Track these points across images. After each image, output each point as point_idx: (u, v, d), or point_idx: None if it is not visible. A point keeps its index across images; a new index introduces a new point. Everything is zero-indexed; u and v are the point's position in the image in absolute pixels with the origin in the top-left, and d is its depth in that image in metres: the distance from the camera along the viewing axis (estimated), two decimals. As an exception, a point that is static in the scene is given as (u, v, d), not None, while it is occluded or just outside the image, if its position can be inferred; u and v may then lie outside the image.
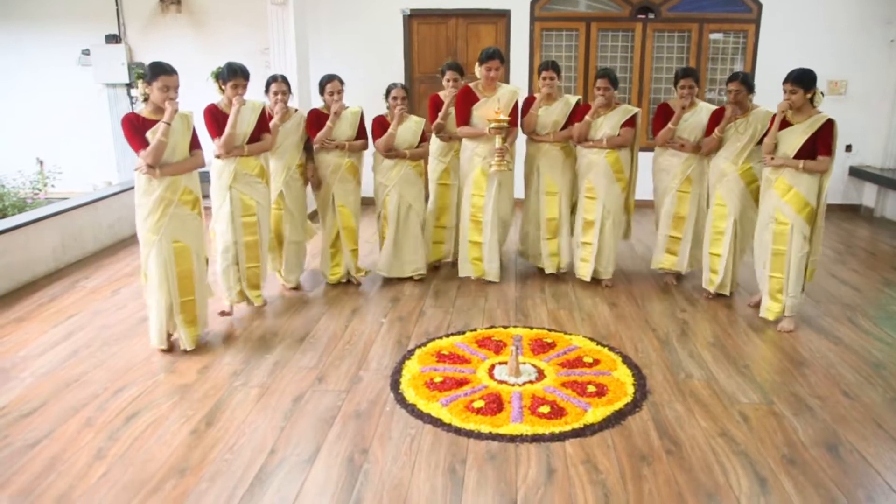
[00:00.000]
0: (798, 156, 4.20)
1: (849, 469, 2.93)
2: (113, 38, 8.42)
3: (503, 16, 8.07)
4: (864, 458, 3.01)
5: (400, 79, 8.12)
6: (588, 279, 5.24)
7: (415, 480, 2.83)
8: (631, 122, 5.04)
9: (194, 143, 4.01)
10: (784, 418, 3.34)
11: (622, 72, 8.08)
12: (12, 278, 5.24)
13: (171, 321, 4.02)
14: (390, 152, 5.12)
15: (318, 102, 5.23)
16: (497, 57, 5.03)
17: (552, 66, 5.14)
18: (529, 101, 5.29)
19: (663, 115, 5.08)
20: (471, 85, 5.18)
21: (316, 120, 5.01)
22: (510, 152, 5.17)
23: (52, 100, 8.70)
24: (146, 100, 3.82)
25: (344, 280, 5.33)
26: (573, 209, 5.40)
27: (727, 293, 4.98)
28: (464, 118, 5.16)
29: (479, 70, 5.08)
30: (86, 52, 8.49)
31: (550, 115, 5.18)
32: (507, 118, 4.89)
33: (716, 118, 4.82)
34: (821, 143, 4.16)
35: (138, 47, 8.52)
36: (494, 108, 4.96)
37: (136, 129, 3.76)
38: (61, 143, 8.79)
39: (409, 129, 5.17)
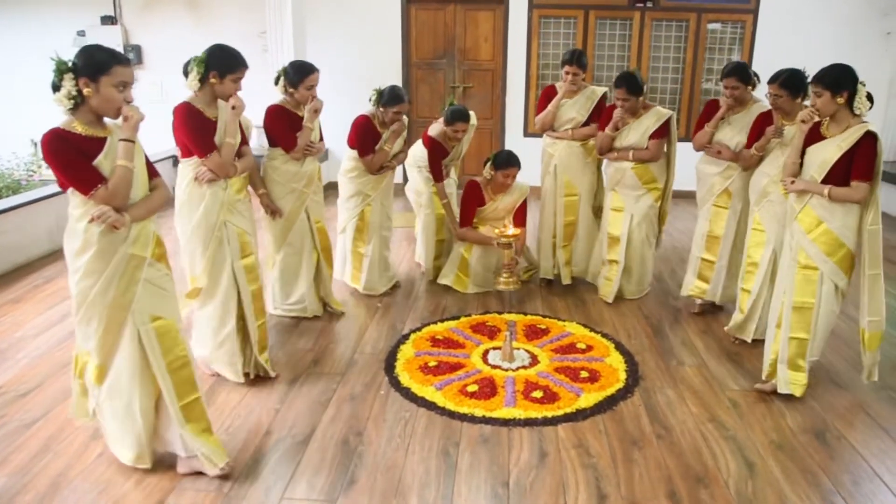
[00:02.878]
0: (829, 179, 3.18)
1: (836, 455, 2.98)
2: (108, 20, 8.36)
3: (501, 2, 8.04)
4: (851, 445, 3.06)
5: (397, 64, 8.09)
6: (610, 300, 4.67)
7: (408, 463, 2.87)
8: (662, 132, 4.41)
9: (151, 169, 2.69)
10: (773, 405, 3.38)
11: (620, 61, 8.09)
12: (7, 260, 5.24)
13: (157, 437, 2.76)
14: (381, 170, 4.54)
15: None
16: (516, 164, 4.57)
17: (577, 61, 4.52)
18: (547, 93, 4.79)
19: (707, 113, 4.29)
20: (479, 182, 4.68)
21: (281, 119, 3.96)
22: (522, 254, 4.74)
23: (46, 81, 8.57)
24: (76, 106, 2.45)
25: (319, 314, 4.40)
26: (598, 212, 4.92)
27: (748, 339, 4.02)
28: (467, 220, 4.69)
29: (489, 170, 4.62)
30: (81, 34, 8.43)
31: (570, 110, 4.68)
32: (515, 232, 4.36)
33: (759, 125, 3.93)
34: (857, 164, 3.12)
35: (134, 29, 8.47)
36: (500, 214, 4.62)
37: (76, 153, 2.42)
38: (55, 125, 8.74)
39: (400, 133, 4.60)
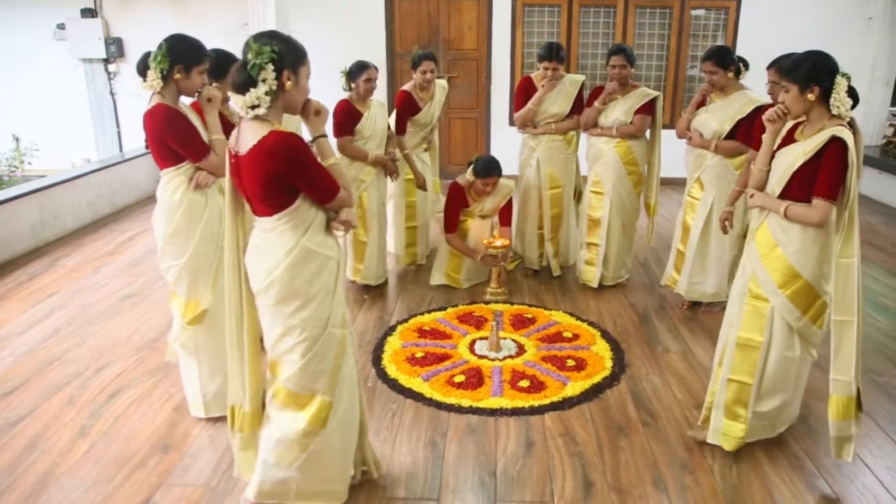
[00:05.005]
0: (791, 192, 2.62)
1: (818, 439, 3.01)
2: (89, 13, 8.26)
3: (485, -9, 8.01)
4: (834, 428, 3.09)
5: (381, 55, 8.05)
6: (595, 285, 4.67)
7: (396, 454, 2.88)
8: (647, 108, 4.38)
9: None
10: (757, 390, 3.41)
11: (604, 49, 8.07)
12: (-10, 257, 5.20)
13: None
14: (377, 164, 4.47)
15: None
16: (496, 173, 4.48)
17: (555, 56, 4.44)
18: (524, 85, 4.70)
19: (698, 101, 4.21)
20: (462, 185, 4.59)
21: None
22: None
23: (27, 75, 8.55)
24: (279, 93, 2.11)
25: None
26: (577, 197, 4.96)
27: None
28: (452, 226, 4.62)
29: (470, 173, 4.53)
30: (61, 27, 8.33)
31: (552, 105, 4.62)
32: (504, 243, 4.46)
33: (751, 125, 3.68)
34: (819, 176, 2.52)
35: (115, 22, 8.37)
36: (485, 213, 4.61)
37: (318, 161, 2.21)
38: (37, 119, 8.66)
39: (379, 115, 4.50)
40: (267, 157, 2.06)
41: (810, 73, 2.51)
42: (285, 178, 2.09)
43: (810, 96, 2.52)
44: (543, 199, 4.80)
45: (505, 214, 4.71)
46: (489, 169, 4.48)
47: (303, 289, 2.19)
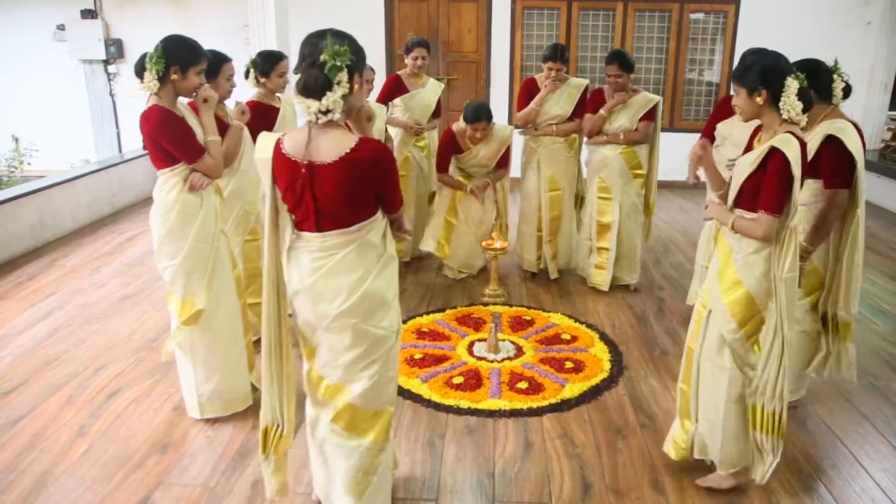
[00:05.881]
0: (741, 203, 2.48)
1: (816, 441, 3.02)
2: (88, 14, 8.27)
3: (485, -6, 8.03)
4: (831, 430, 3.10)
5: (381, 57, 8.06)
6: (606, 288, 4.69)
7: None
8: (650, 115, 4.46)
9: None
10: (755, 393, 3.42)
11: (603, 52, 8.09)
12: (-11, 257, 5.20)
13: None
14: None
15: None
16: (484, 118, 4.49)
17: (560, 57, 4.50)
18: (527, 86, 4.76)
19: (720, 111, 3.93)
20: (456, 132, 4.67)
21: (254, 115, 3.52)
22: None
23: (27, 76, 8.56)
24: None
25: None
26: (579, 202, 4.95)
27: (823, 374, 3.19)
28: (443, 166, 4.76)
29: (461, 122, 4.60)
30: (60, 28, 8.35)
31: (554, 106, 4.66)
32: (504, 244, 4.56)
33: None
34: (763, 189, 2.38)
35: (115, 23, 8.38)
36: (482, 162, 4.70)
37: None
38: (37, 120, 8.67)
39: (377, 116, 4.66)
40: (370, 166, 2.00)
41: (759, 76, 2.37)
42: (377, 185, 2.06)
43: (759, 100, 2.39)
44: (543, 202, 4.81)
45: (503, 160, 4.76)
46: (478, 113, 4.52)
47: (387, 294, 2.18)
